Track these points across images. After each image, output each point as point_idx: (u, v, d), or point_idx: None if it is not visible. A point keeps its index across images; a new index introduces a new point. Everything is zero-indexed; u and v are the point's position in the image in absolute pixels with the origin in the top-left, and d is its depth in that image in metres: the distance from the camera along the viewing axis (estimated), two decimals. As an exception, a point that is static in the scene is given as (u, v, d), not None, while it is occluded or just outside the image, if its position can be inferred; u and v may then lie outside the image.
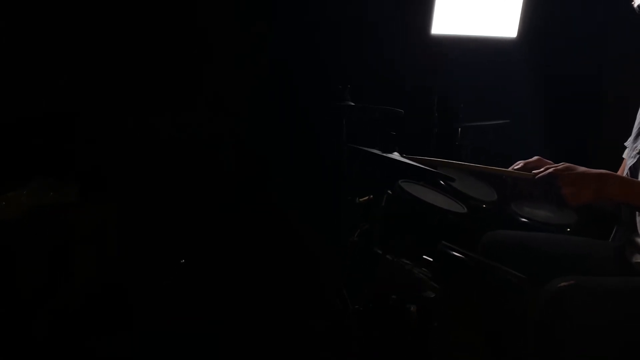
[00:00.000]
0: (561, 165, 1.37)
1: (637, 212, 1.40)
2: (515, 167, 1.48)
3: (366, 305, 1.33)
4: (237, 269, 2.31)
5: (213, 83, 2.59)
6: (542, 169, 1.38)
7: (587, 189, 1.28)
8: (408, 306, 1.22)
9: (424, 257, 1.46)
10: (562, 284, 1.18)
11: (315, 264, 2.11)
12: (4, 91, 2.06)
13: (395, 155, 1.34)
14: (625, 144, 1.59)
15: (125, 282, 2.19)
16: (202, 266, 2.34)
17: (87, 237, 2.13)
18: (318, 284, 1.91)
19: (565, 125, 2.73)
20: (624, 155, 1.60)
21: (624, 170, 1.54)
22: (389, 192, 1.62)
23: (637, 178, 1.42)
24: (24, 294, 1.91)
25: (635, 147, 1.48)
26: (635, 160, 1.46)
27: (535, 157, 1.46)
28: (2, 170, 2.02)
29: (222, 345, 1.94)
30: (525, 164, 1.47)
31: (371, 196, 1.74)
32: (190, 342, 1.97)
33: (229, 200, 2.57)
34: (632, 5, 1.37)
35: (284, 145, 2.64)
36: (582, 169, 1.33)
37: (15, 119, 2.09)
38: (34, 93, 2.12)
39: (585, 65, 2.74)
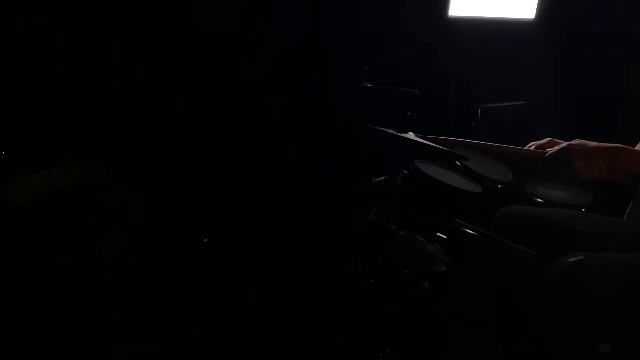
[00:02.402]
0: (573, 141, 1.37)
1: None
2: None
3: (379, 280, 1.38)
4: (257, 248, 2.36)
5: (235, 66, 2.62)
6: (554, 148, 1.40)
7: (599, 161, 1.29)
8: (420, 281, 1.27)
9: (438, 234, 1.50)
10: (571, 259, 1.21)
11: (332, 239, 2.16)
12: (35, 74, 2.13)
13: (410, 135, 1.37)
14: None
15: (149, 260, 2.26)
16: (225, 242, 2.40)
17: (113, 216, 2.22)
18: (333, 259, 1.97)
19: (583, 109, 2.69)
20: None
21: None
22: (405, 172, 1.64)
23: None
24: (56, 269, 2.01)
25: None
26: None
27: (547, 139, 1.47)
28: (34, 150, 2.10)
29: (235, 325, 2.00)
30: (536, 146, 1.48)
31: (387, 176, 1.76)
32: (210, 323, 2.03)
33: (248, 182, 2.61)
34: None
35: (306, 125, 2.67)
36: (593, 143, 1.33)
37: (47, 102, 2.16)
38: (62, 76, 2.18)
39: (606, 47, 2.69)
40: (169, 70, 2.45)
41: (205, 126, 2.53)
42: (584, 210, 1.88)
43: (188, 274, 2.27)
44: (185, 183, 2.43)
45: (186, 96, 2.49)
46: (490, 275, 1.37)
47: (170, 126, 2.44)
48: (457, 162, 1.82)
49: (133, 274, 2.21)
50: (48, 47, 2.17)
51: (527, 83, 2.74)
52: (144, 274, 2.22)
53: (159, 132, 2.42)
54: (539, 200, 1.91)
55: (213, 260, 2.34)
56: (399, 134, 1.38)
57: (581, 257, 1.21)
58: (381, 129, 1.45)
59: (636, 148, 1.54)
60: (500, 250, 1.33)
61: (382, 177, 1.72)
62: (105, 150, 2.32)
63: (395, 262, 1.32)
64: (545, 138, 1.49)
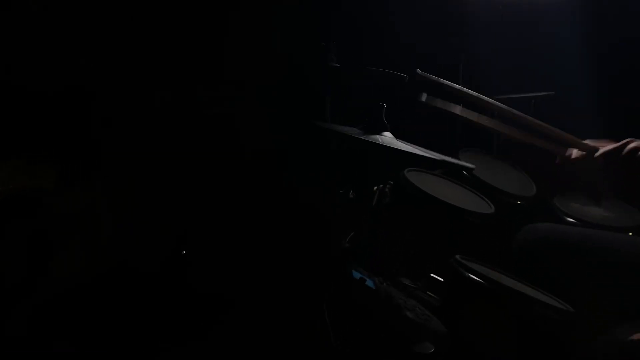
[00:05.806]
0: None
1: None
2: None
3: (349, 345, 0.97)
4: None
5: (229, 60, 2.31)
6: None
7: None
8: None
9: (432, 276, 1.10)
10: (636, 336, 0.81)
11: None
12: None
13: (385, 138, 0.94)
14: None
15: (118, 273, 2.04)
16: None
17: (71, 226, 1.99)
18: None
19: (621, 100, 2.36)
20: None
21: None
22: (390, 183, 1.25)
23: None
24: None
25: None
26: None
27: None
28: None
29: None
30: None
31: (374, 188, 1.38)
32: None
33: (234, 185, 2.33)
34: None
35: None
36: None
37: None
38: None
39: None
40: (145, 61, 2.18)
41: (184, 125, 2.24)
42: (630, 234, 1.51)
43: (160, 289, 2.01)
44: (159, 190, 2.16)
45: (164, 88, 2.20)
46: (504, 342, 0.96)
47: (142, 125, 2.16)
48: (464, 172, 1.45)
49: (96, 291, 1.95)
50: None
51: (552, 70, 2.42)
52: (110, 291, 1.97)
53: (129, 131, 2.16)
54: (570, 220, 1.57)
55: (190, 274, 2.08)
56: (361, 138, 0.92)
57: None
58: (337, 129, 1.01)
59: None
60: (520, 306, 0.92)
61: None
62: (59, 152, 2.08)
63: (365, 332, 0.91)
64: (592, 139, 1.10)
